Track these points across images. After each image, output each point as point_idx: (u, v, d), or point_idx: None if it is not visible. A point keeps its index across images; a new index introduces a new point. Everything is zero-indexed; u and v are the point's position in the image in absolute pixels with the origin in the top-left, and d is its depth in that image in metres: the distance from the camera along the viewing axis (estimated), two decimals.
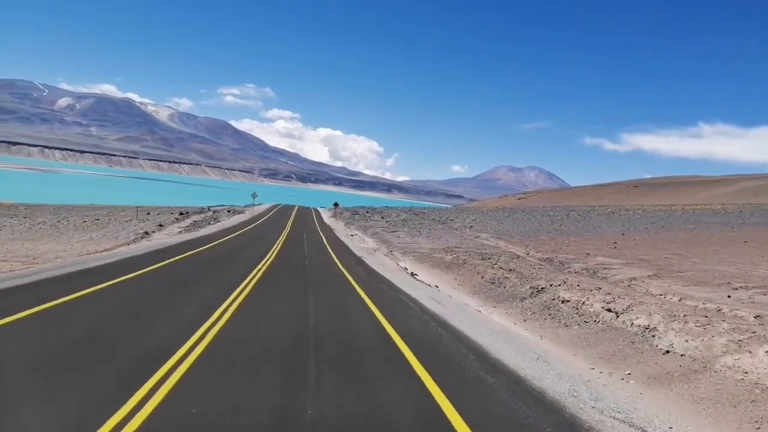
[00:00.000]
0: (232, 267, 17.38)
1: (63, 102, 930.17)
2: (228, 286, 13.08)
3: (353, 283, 15.60)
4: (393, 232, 38.74)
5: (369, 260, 22.72)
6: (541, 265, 21.67)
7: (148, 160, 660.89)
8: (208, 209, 51.57)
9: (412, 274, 21.22)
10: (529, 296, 16.54)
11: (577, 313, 13.80)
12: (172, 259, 18.09)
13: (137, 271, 14.70)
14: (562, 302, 14.87)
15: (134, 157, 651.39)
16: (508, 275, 19.37)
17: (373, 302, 12.42)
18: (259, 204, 77.96)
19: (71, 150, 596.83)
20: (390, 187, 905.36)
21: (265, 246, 25.62)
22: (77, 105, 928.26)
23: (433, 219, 50.46)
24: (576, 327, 13.06)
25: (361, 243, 33.07)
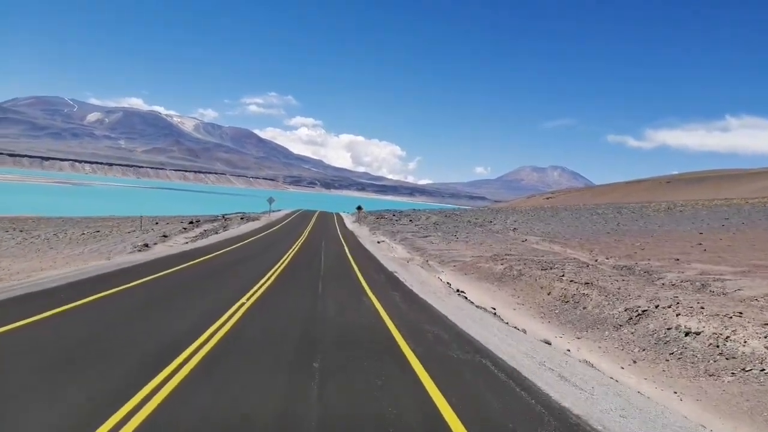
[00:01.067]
0: (204, 299, 11.75)
1: (92, 117, 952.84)
2: (169, 348, 7.31)
3: (394, 331, 9.35)
4: (425, 237, 34.40)
5: (404, 276, 17.94)
6: (622, 275, 17.12)
7: (175, 170, 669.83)
8: (223, 217, 48.08)
9: (459, 292, 16.89)
10: (627, 323, 12.09)
11: (720, 354, 9.31)
12: (131, 284, 13.22)
13: (62, 306, 10.00)
14: (687, 335, 10.38)
15: (161, 168, 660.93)
16: (585, 291, 14.91)
17: (443, 395, 6.05)
18: (278, 210, 74.17)
19: (100, 163, 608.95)
20: (413, 190, 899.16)
21: (269, 260, 20.06)
22: (106, 119, 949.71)
23: (469, 221, 45.69)
24: (730, 378, 8.58)
25: (389, 252, 28.78)
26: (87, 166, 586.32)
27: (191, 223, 37.80)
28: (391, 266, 20.70)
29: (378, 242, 32.99)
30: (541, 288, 16.92)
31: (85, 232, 32.47)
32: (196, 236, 30.86)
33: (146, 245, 26.56)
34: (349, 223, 57.94)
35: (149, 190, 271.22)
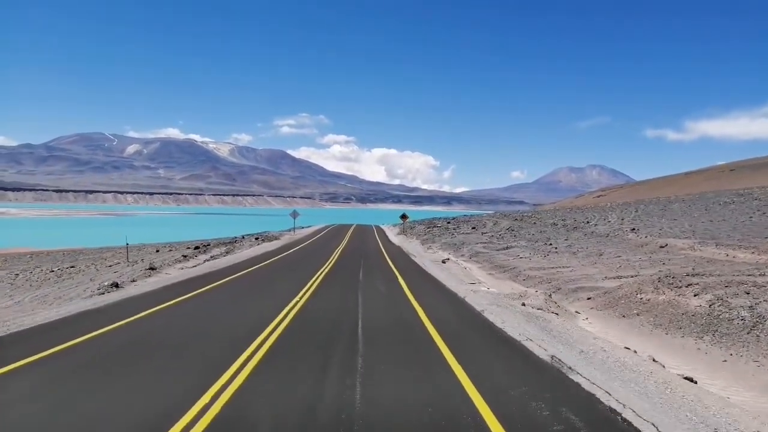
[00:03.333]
0: None
1: (131, 149, 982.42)
2: None
3: None
4: (504, 249, 25.21)
5: (582, 370, 7.16)
6: None
7: (213, 195, 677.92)
8: (242, 238, 40.19)
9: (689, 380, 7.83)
10: None
11: None
12: None
13: None
14: None
15: (200, 194, 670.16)
16: None
17: None
18: (306, 227, 65.46)
19: (141, 193, 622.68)
20: (449, 199, 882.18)
21: (246, 327, 9.79)
22: (144, 150, 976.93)
23: (554, 224, 35.75)
24: None
25: (469, 279, 19.43)
26: (129, 197, 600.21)
27: (197, 248, 29.89)
28: (515, 330, 9.80)
29: (442, 261, 23.63)
30: None
31: (54, 270, 24.86)
32: (193, 266, 22.74)
33: (116, 285, 18.56)
34: (393, 236, 49.02)
35: (187, 216, 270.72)
